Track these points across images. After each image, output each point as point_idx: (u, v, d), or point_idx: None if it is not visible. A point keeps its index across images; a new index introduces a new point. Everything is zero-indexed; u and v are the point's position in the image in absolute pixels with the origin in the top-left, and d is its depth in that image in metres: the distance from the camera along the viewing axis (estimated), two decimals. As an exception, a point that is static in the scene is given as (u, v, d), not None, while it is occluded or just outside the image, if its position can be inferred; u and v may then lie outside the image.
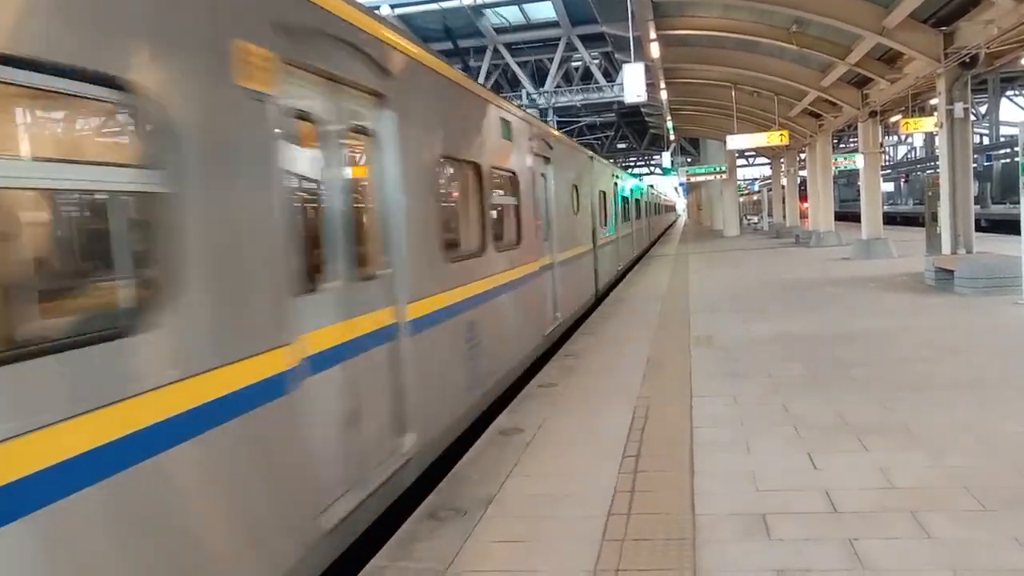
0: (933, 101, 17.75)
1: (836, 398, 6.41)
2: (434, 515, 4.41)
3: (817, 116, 25.35)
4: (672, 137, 37.77)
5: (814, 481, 4.57)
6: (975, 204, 15.71)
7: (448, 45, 38.90)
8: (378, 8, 35.11)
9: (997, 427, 5.35)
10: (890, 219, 31.88)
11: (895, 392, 6.48)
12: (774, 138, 23.49)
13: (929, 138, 50.71)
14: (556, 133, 12.44)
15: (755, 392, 6.83)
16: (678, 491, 4.54)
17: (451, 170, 6.73)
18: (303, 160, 3.99)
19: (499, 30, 40.65)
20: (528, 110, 13.15)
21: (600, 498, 4.51)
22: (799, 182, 35.14)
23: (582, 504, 4.45)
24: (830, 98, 21.19)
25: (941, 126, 14.46)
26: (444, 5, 37.59)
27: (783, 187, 36.90)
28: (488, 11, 39.27)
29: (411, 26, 36.80)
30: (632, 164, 79.04)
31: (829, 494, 4.33)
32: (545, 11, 39.50)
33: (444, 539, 4.09)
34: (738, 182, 48.13)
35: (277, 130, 3.54)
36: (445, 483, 4.96)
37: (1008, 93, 54.32)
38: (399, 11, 37.62)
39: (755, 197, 69.20)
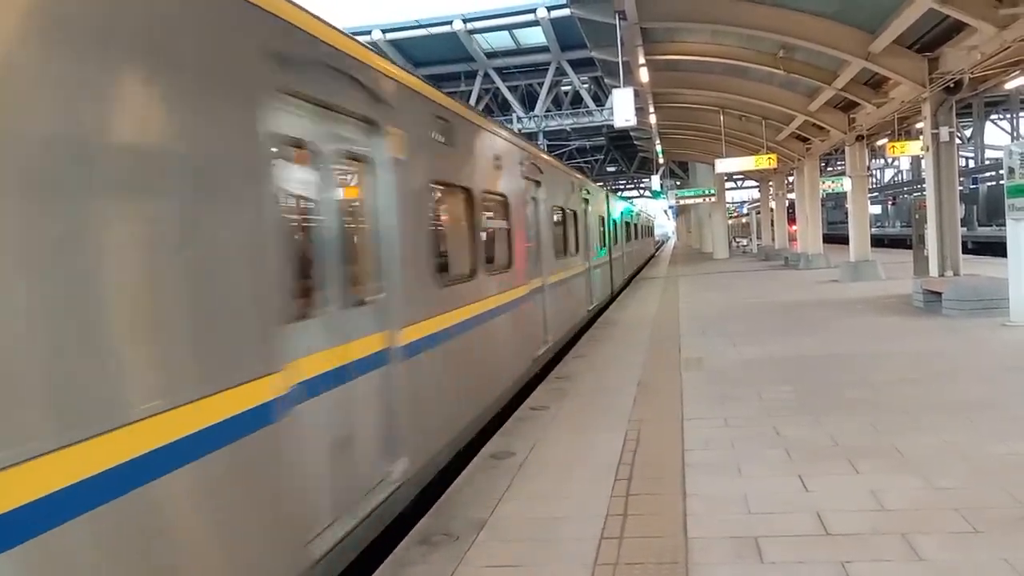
0: (919, 125, 17.97)
1: (826, 420, 6.42)
2: (426, 540, 4.39)
3: (805, 140, 25.61)
4: (661, 160, 38.05)
5: (806, 503, 4.57)
6: (962, 226, 15.87)
7: (439, 70, 39.15)
8: (369, 33, 35.37)
9: (986, 449, 5.37)
10: (878, 241, 32.11)
11: (885, 414, 6.50)
12: (762, 162, 23.70)
13: (916, 161, 51.26)
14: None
15: (746, 414, 6.84)
16: (670, 514, 4.54)
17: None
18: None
19: (489, 55, 40.98)
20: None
21: (592, 522, 4.50)
22: (787, 205, 35.42)
23: (574, 528, 4.44)
24: (817, 122, 21.44)
25: (927, 150, 14.64)
26: (434, 31, 37.85)
27: (772, 210, 37.16)
28: (478, 36, 39.59)
29: (402, 51, 37.04)
30: (622, 187, 79.45)
31: (821, 516, 4.33)
32: (535, 36, 39.90)
33: (436, 564, 4.07)
34: (727, 205, 48.46)
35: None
36: (437, 507, 4.95)
37: (992, 117, 55.09)
38: (390, 36, 37.89)
39: (744, 220, 69.60)
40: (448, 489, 5.29)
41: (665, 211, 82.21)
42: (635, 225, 32.04)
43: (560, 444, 6.28)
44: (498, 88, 43.07)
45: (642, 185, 76.86)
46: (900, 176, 69.56)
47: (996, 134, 57.85)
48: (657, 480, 5.19)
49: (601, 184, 23.37)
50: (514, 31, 39.72)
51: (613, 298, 20.10)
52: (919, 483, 4.78)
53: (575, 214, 13.78)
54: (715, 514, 4.49)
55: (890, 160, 65.03)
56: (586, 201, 15.46)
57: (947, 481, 4.78)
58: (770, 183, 36.11)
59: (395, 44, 37.30)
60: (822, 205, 29.63)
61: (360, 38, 4.85)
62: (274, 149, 3.60)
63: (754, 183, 53.02)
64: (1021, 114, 51.52)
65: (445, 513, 4.83)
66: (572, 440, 6.38)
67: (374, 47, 5.09)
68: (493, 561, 4.07)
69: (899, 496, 4.57)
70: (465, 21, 37.95)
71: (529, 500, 4.98)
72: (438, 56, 39.53)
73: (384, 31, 37.72)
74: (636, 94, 17.21)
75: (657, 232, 78.19)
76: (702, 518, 4.44)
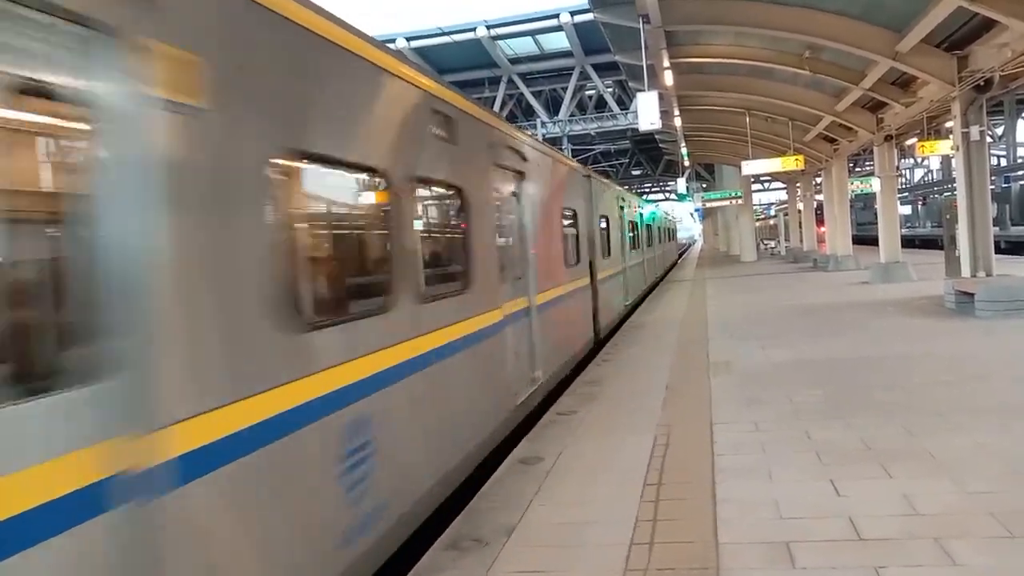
0: (949, 124, 17.73)
1: (858, 424, 6.37)
2: (455, 545, 4.42)
3: (832, 140, 25.38)
4: (687, 163, 37.88)
5: (838, 508, 4.54)
6: (994, 226, 15.63)
7: (463, 76, 39.28)
8: (393, 41, 35.60)
9: (1021, 451, 5.30)
10: (908, 242, 31.72)
11: (917, 417, 6.43)
12: (789, 163, 23.51)
13: (946, 160, 50.47)
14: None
15: (776, 418, 6.79)
16: (700, 519, 4.53)
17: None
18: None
19: (513, 60, 41.05)
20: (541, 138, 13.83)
21: (622, 527, 4.50)
22: (816, 206, 35.07)
23: (604, 533, 4.44)
24: (845, 123, 21.24)
25: (957, 149, 14.45)
26: (458, 38, 38.00)
27: (799, 211, 36.82)
28: (502, 42, 39.67)
29: (426, 59, 37.25)
30: (647, 190, 79.23)
31: (853, 521, 4.30)
32: (558, 42, 39.90)
33: (465, 569, 4.09)
34: (754, 207, 48.08)
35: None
36: (466, 512, 4.97)
37: (1024, 114, 54.10)
38: (414, 44, 38.08)
39: (771, 222, 69.06)
40: (477, 494, 5.31)
41: (691, 214, 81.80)
42: (649, 227, 25.07)
43: (588, 449, 6.28)
44: (522, 94, 43.16)
45: (668, 188, 76.55)
46: (930, 176, 68.57)
47: (1028, 132, 56.79)
48: (687, 485, 5.17)
49: (628, 188, 22.52)
50: (538, 37, 39.74)
51: (601, 341, 13.16)
52: (952, 487, 4.73)
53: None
54: (746, 519, 4.48)
55: (920, 159, 64.16)
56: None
57: (981, 485, 4.72)
58: (797, 184, 35.79)
59: (419, 52, 37.50)
60: (851, 206, 29.26)
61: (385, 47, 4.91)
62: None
63: (781, 185, 52.58)
64: (1054, 111, 50.57)
65: (474, 518, 4.85)
66: (600, 445, 6.38)
67: (399, 55, 5.13)
68: (522, 567, 4.09)
69: (932, 500, 4.53)
70: (488, 27, 38.06)
71: (558, 505, 4.99)
72: (462, 63, 39.66)
73: (408, 39, 37.94)
74: (661, 97, 17.20)
75: (682, 235, 77.56)
76: (733, 523, 4.43)
